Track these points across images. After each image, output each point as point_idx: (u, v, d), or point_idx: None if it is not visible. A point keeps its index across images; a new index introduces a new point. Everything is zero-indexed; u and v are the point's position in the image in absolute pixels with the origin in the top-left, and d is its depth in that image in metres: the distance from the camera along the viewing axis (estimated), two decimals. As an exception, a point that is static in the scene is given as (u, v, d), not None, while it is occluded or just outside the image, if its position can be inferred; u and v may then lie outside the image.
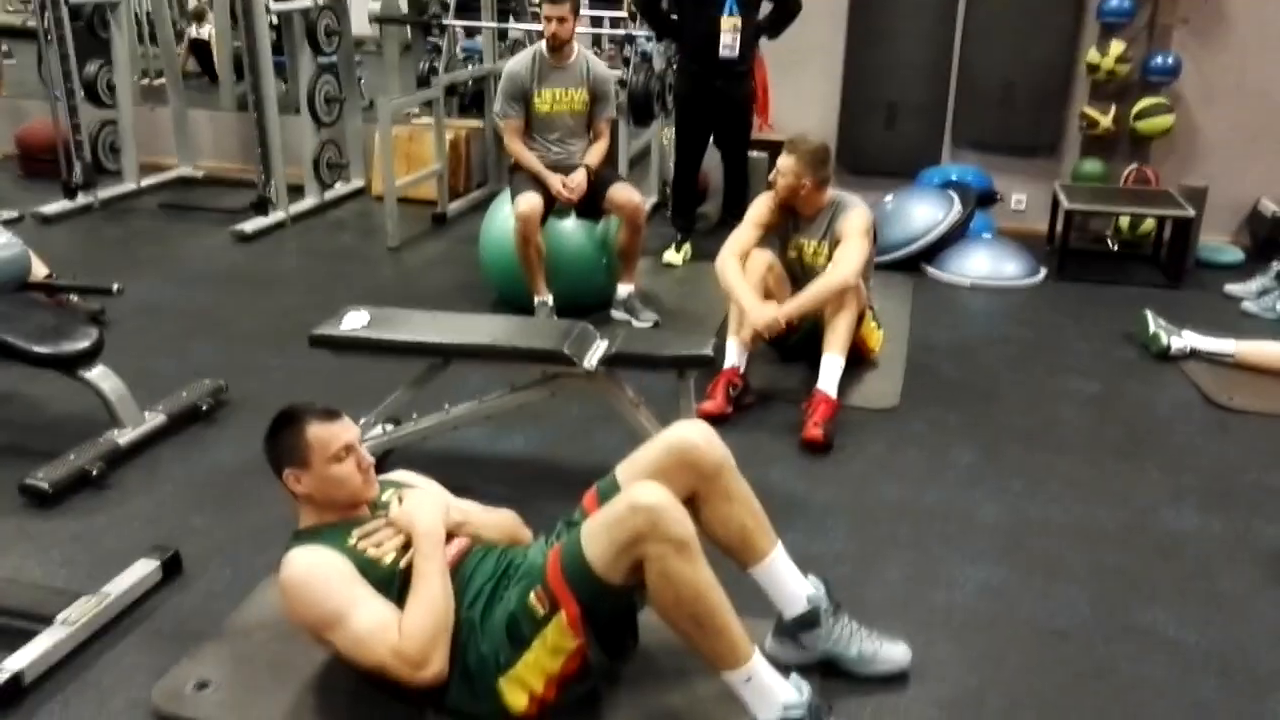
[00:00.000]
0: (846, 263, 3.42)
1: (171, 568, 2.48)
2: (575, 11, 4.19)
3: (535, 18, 6.71)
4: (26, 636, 2.16)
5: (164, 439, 3.16)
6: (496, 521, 2.21)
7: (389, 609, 1.91)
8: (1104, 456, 3.23)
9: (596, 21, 6.69)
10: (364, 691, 2.01)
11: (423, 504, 2.05)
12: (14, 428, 3.26)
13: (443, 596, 1.91)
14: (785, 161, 3.53)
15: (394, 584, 1.94)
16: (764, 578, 2.12)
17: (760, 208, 3.66)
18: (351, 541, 1.99)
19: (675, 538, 1.82)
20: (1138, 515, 2.89)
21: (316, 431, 2.00)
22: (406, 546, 1.99)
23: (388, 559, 1.97)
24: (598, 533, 1.86)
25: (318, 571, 1.92)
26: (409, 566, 1.95)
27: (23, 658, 2.10)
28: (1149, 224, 5.29)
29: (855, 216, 3.51)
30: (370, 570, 1.95)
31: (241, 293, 4.55)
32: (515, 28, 6.71)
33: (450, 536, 2.06)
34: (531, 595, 1.89)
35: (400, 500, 2.08)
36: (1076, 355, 4.06)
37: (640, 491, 1.86)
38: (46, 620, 2.21)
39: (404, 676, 1.87)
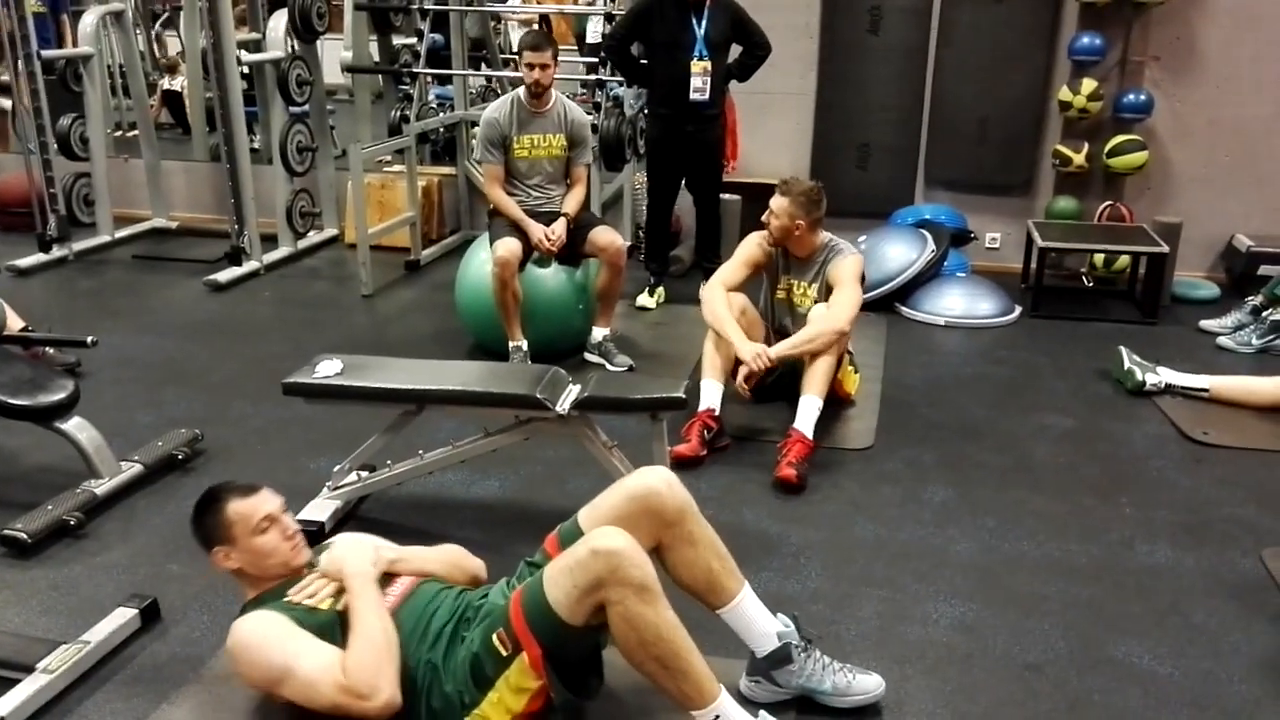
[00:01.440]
0: (841, 309, 3.44)
1: (150, 615, 2.49)
2: (555, 58, 4.22)
3: (506, 64, 6.81)
4: (7, 685, 2.18)
5: (140, 488, 3.16)
6: (439, 556, 2.25)
7: (331, 651, 1.92)
8: (1078, 492, 3.24)
9: (569, 68, 6.77)
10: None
11: (347, 548, 2.10)
12: (-11, 479, 3.25)
13: (380, 628, 1.93)
14: (779, 203, 3.53)
15: (335, 628, 1.97)
16: (733, 619, 2.13)
17: (750, 247, 3.68)
18: (289, 599, 2.03)
19: (635, 581, 1.83)
20: (1112, 550, 2.90)
21: (237, 507, 2.06)
22: (341, 592, 2.02)
23: (325, 605, 2.01)
24: (559, 577, 1.88)
25: (257, 633, 1.95)
26: (346, 609, 1.98)
27: (4, 705, 2.11)
28: (1124, 260, 5.35)
29: (850, 263, 3.54)
30: (309, 619, 1.98)
31: (216, 342, 4.54)
32: (486, 75, 6.77)
33: (393, 578, 2.11)
34: (494, 637, 1.91)
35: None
36: (1051, 392, 4.08)
37: (600, 536, 1.88)
38: (27, 669, 2.22)
39: (358, 710, 1.88)
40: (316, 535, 2.73)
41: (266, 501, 2.08)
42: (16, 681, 2.18)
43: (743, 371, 3.41)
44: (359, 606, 1.96)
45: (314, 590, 2.04)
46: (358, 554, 2.07)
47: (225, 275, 5.37)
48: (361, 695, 1.86)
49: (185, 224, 6.50)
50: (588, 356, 4.28)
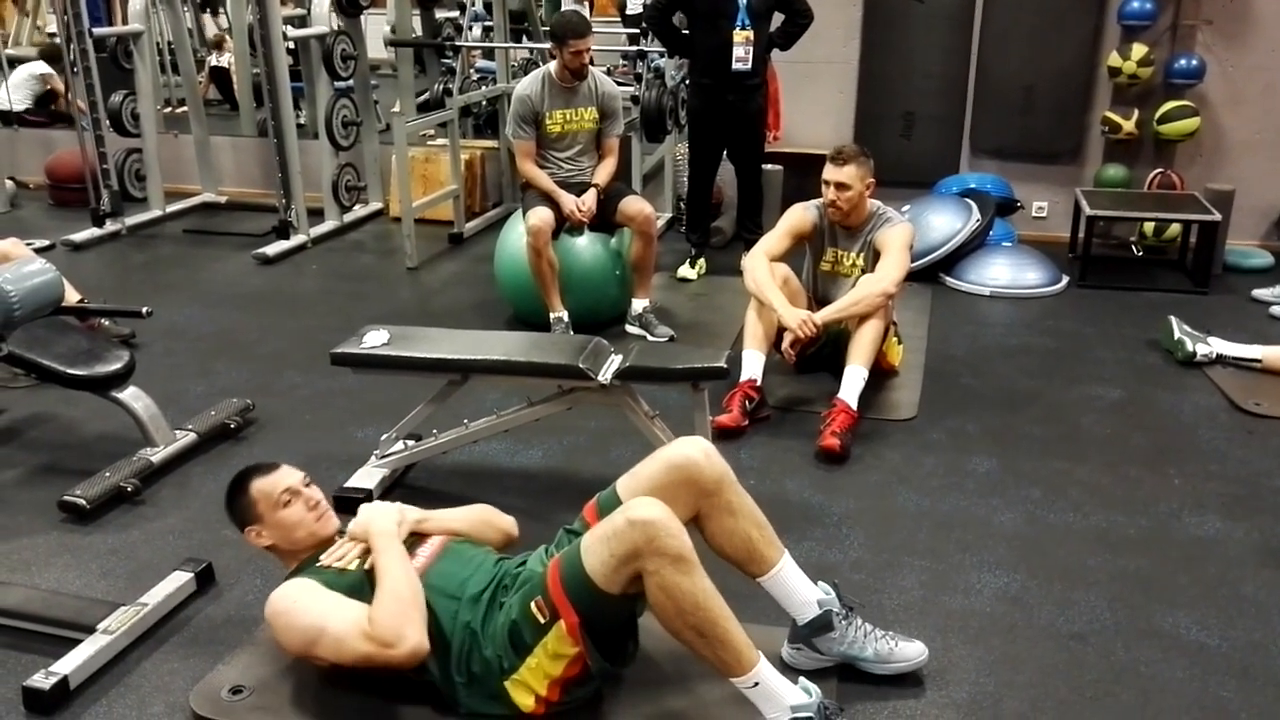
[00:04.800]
0: (889, 272, 3.42)
1: (205, 579, 2.56)
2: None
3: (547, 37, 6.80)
4: (69, 644, 2.25)
5: (195, 456, 3.23)
6: (466, 515, 2.32)
7: (359, 607, 1.99)
8: (1125, 463, 3.21)
9: (610, 39, 6.75)
10: (392, 695, 2.08)
11: (372, 511, 2.17)
12: (52, 447, 3.34)
13: (403, 578, 1.99)
14: (848, 171, 3.43)
15: (364, 587, 2.03)
16: (774, 587, 2.14)
17: (796, 216, 3.65)
18: (320, 564, 2.10)
19: (672, 551, 1.85)
20: (1159, 521, 2.87)
21: (259, 485, 2.15)
22: (368, 553, 2.08)
23: (352, 566, 2.08)
24: (596, 546, 1.90)
25: (289, 598, 2.03)
26: (373, 567, 2.04)
27: (68, 663, 2.18)
28: (1174, 229, 5.26)
29: (900, 230, 3.51)
30: (339, 581, 2.05)
31: (265, 314, 4.61)
32: (528, 47, 6.77)
33: (422, 538, 2.18)
34: (532, 604, 1.95)
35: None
36: (1098, 363, 4.03)
37: (637, 507, 1.90)
38: (88, 629, 2.29)
39: (385, 659, 1.93)
40: (363, 502, 2.78)
41: (286, 476, 2.17)
42: (78, 641, 2.26)
43: (788, 338, 3.41)
44: (383, 562, 2.02)
45: (342, 553, 2.11)
46: (382, 515, 2.14)
47: (273, 249, 5.44)
48: (387, 643, 1.91)
49: (234, 198, 6.58)
50: (628, 328, 4.30)
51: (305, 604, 2.01)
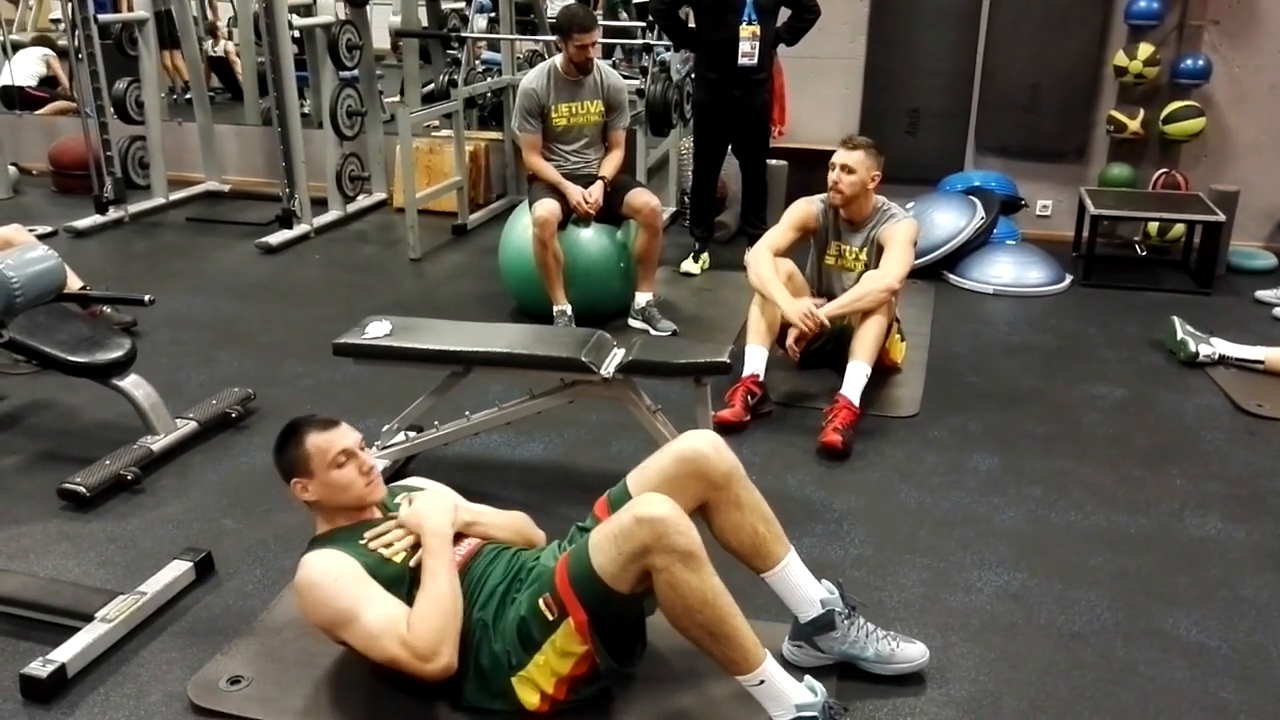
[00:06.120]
0: (892, 268, 3.41)
1: (204, 568, 2.55)
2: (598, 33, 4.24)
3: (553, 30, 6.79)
4: (68, 632, 2.25)
5: (195, 445, 3.23)
6: (507, 523, 2.26)
7: (398, 606, 1.95)
8: (1127, 463, 3.20)
9: (614, 32, 6.74)
10: (390, 687, 2.07)
11: (431, 505, 2.10)
12: (52, 434, 3.33)
13: (450, 592, 1.95)
14: (854, 156, 3.44)
15: (405, 582, 1.99)
16: (778, 583, 2.13)
17: (800, 210, 3.64)
18: (363, 543, 2.04)
19: (680, 549, 1.84)
20: (1161, 521, 2.87)
21: (316, 440, 2.07)
22: (416, 546, 2.03)
23: (398, 558, 2.02)
24: (604, 543, 1.89)
25: (329, 573, 1.97)
26: (419, 565, 2.00)
27: (65, 652, 2.18)
28: (1178, 229, 5.24)
29: (904, 226, 3.51)
30: (381, 570, 1.99)
31: (267, 304, 4.61)
32: (534, 39, 6.76)
33: (461, 537, 2.12)
34: (540, 601, 1.94)
35: (410, 503, 2.12)
36: (1102, 362, 4.02)
37: (645, 503, 1.89)
38: (86, 618, 2.29)
39: (414, 669, 1.91)
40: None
41: (345, 436, 2.09)
42: (76, 630, 2.25)
43: (793, 333, 3.40)
44: (433, 566, 1.97)
45: (390, 540, 2.04)
46: (440, 512, 2.07)
47: (276, 238, 5.43)
48: (421, 655, 1.89)
49: (237, 187, 6.57)
50: (631, 322, 4.29)
51: (344, 585, 1.95)
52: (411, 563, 2.02)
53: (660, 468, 2.10)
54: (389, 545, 2.04)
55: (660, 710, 2.07)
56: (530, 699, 1.96)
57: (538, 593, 1.96)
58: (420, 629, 1.90)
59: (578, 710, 2.01)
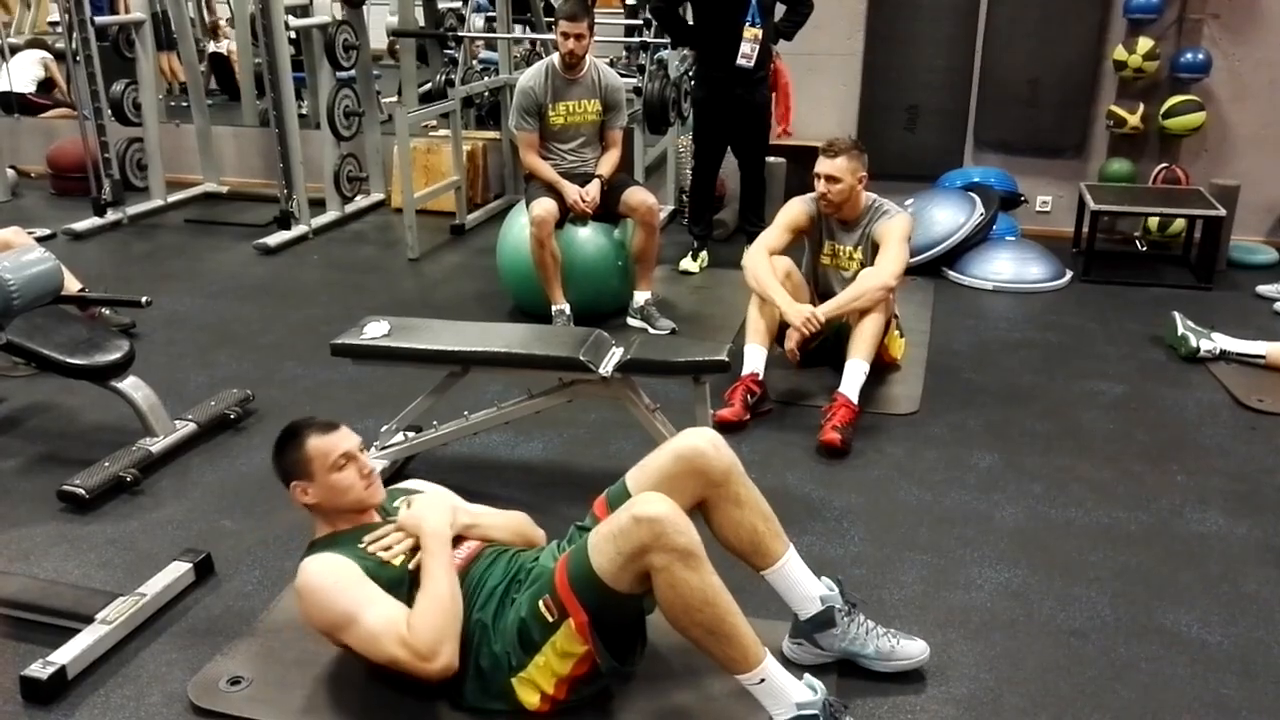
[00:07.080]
0: (888, 265, 3.40)
1: (204, 569, 2.55)
2: (591, 28, 4.22)
3: (550, 28, 6.78)
4: (68, 634, 2.25)
5: (194, 446, 3.23)
6: (506, 523, 2.26)
7: (398, 607, 1.95)
8: (1128, 459, 3.20)
9: (614, 30, 6.73)
10: (390, 687, 2.06)
11: (429, 507, 2.10)
12: (51, 436, 3.33)
13: (449, 592, 1.95)
14: (838, 164, 3.43)
15: (404, 584, 1.99)
16: (777, 580, 2.13)
17: (793, 211, 3.63)
18: (362, 546, 2.04)
19: (680, 548, 1.83)
20: (1161, 517, 2.86)
21: (316, 443, 2.07)
22: (416, 549, 2.03)
23: (397, 561, 2.02)
24: (603, 544, 1.89)
25: (328, 576, 1.97)
26: (418, 568, 2.00)
27: (66, 653, 2.18)
28: (1179, 224, 5.24)
29: (898, 222, 3.50)
30: (381, 573, 1.99)
31: (266, 304, 4.61)
32: (531, 38, 6.75)
33: (461, 540, 2.11)
34: (540, 602, 1.94)
35: (409, 505, 2.12)
36: (1102, 358, 4.02)
37: (643, 503, 1.88)
38: (86, 619, 2.29)
39: (415, 669, 1.91)
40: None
41: (345, 439, 2.09)
42: (76, 631, 2.25)
43: (792, 336, 3.39)
44: (431, 567, 1.97)
45: (389, 543, 2.04)
46: (438, 514, 2.07)
47: (274, 239, 5.43)
48: (422, 655, 1.89)
49: (235, 188, 6.57)
50: (630, 321, 4.29)
51: (344, 588, 1.95)
52: (411, 565, 2.01)
53: (659, 466, 2.10)
54: (388, 549, 2.04)
55: (660, 710, 2.06)
56: (530, 699, 1.96)
57: (537, 594, 1.95)
58: (420, 628, 1.90)
59: (578, 710, 2.01)
